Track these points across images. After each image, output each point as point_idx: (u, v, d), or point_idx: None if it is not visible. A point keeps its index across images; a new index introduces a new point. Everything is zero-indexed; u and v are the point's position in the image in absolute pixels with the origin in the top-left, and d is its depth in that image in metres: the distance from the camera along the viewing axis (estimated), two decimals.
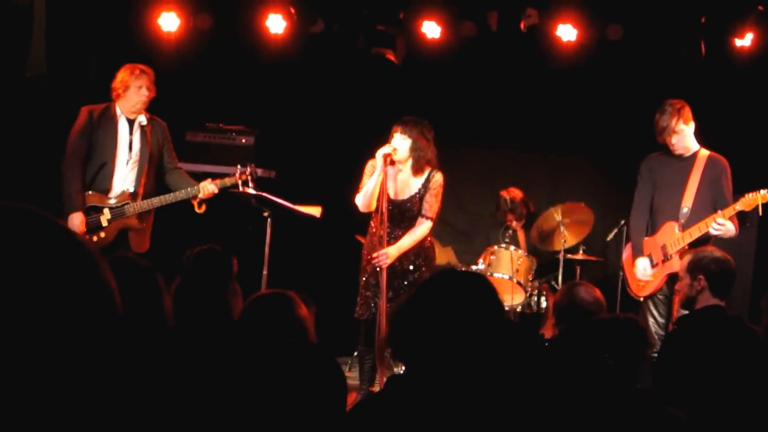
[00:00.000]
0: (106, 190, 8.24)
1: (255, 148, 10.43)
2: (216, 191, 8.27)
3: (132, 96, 8.22)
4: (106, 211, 8.17)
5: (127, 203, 8.20)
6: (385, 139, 7.84)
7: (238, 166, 8.39)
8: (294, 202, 8.75)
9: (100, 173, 8.24)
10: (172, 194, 8.28)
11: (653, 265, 8.03)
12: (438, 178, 7.90)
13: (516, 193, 10.30)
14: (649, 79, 9.88)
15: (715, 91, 9.89)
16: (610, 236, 9.79)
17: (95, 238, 8.07)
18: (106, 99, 8.48)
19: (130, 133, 8.28)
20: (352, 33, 10.49)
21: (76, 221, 7.97)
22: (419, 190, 7.89)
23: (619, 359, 4.23)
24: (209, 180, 8.30)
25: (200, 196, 8.20)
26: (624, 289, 8.58)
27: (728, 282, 6.11)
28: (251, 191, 8.64)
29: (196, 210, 8.29)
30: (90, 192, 8.22)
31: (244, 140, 10.44)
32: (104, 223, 8.16)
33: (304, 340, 4.03)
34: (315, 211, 8.79)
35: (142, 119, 8.33)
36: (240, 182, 8.33)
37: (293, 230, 9.55)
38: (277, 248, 8.86)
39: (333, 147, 10.68)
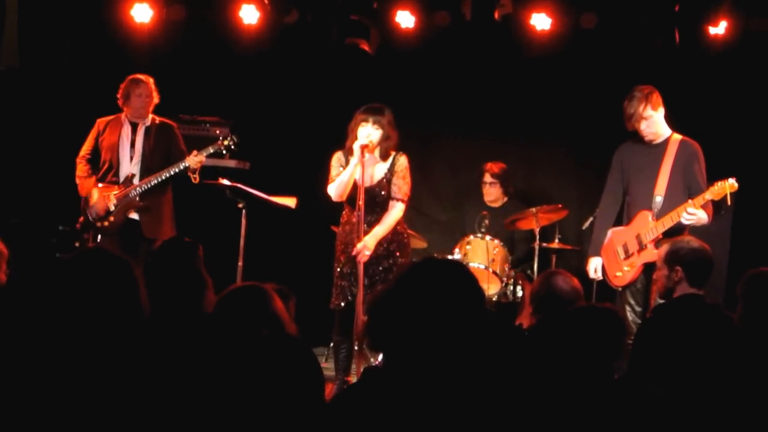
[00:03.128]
0: (113, 183, 8.90)
1: None
2: (203, 160, 8.80)
3: (133, 103, 8.94)
4: (112, 196, 8.78)
5: (130, 186, 8.82)
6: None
7: (219, 134, 9.28)
8: (269, 193, 8.76)
9: (108, 169, 8.91)
10: (165, 170, 8.81)
11: (629, 255, 8.04)
12: (402, 160, 7.98)
13: (501, 165, 10.30)
14: (623, 68, 9.88)
15: (689, 79, 9.91)
16: (586, 225, 9.77)
17: (106, 224, 8.79)
18: (80, 90, 9.41)
19: (134, 133, 8.96)
20: (325, 23, 10.45)
21: (94, 197, 8.83)
22: (386, 174, 7.94)
23: (597, 348, 4.22)
24: (194, 152, 8.78)
25: (191, 166, 8.73)
26: (601, 279, 8.58)
27: (706, 272, 6.11)
28: (226, 182, 8.68)
29: (193, 182, 8.83)
30: (100, 185, 8.89)
31: (218, 131, 10.40)
32: (112, 208, 8.77)
33: (280, 332, 4.01)
34: (290, 201, 8.80)
35: (147, 122, 8.99)
36: (223, 148, 8.97)
37: (268, 221, 9.54)
38: (253, 239, 8.85)
39: (308, 138, 10.65)
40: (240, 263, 8.72)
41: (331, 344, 8.35)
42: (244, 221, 8.79)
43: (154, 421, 3.46)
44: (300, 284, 6.84)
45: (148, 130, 8.96)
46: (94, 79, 10.25)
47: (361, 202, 7.67)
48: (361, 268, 7.72)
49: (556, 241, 10.00)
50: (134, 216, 8.84)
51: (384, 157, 7.95)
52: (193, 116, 10.47)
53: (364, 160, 7.71)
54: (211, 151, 8.87)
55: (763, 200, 9.72)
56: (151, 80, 8.94)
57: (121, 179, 8.84)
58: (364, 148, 7.72)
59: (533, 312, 5.94)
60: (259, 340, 3.14)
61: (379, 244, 7.86)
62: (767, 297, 5.33)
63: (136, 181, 8.81)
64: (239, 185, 8.74)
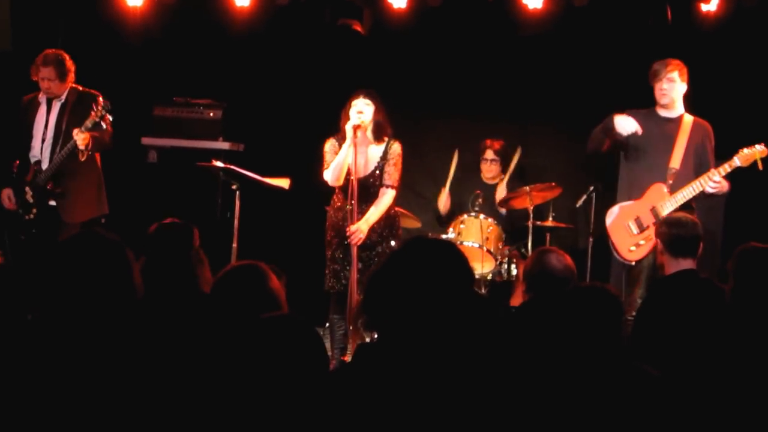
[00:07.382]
0: (29, 169, 8.71)
1: (223, 121, 10.42)
2: (86, 135, 8.36)
3: (41, 86, 8.66)
4: (27, 189, 8.60)
5: (39, 174, 8.58)
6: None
7: (93, 105, 8.47)
8: (263, 175, 8.76)
9: (27, 155, 8.71)
10: (61, 152, 8.50)
11: (643, 228, 7.99)
12: (396, 147, 8.04)
13: (501, 141, 10.31)
14: (616, 46, 9.89)
15: (681, 57, 9.88)
16: (579, 202, 9.79)
17: (31, 216, 8.59)
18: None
19: (48, 112, 8.66)
20: (318, 4, 10.45)
21: (3, 196, 8.64)
22: (379, 162, 8.00)
23: (592, 328, 4.23)
24: (77, 130, 8.35)
25: (79, 146, 8.36)
26: (595, 256, 8.59)
27: (685, 242, 6.13)
28: (219, 164, 8.67)
29: (80, 159, 8.49)
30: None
31: (212, 114, 10.41)
32: (30, 200, 8.58)
33: (281, 312, 4.03)
34: (284, 183, 8.80)
35: (63, 98, 8.67)
36: (98, 119, 8.39)
37: (262, 202, 9.56)
38: (246, 221, 8.87)
39: (301, 119, 10.66)
40: (234, 244, 8.73)
41: (327, 324, 8.38)
42: (237, 202, 8.79)
43: (157, 404, 3.47)
44: (294, 265, 6.88)
45: (63, 106, 8.67)
46: (87, 62, 10.24)
47: (354, 181, 7.73)
48: (354, 250, 7.78)
49: (550, 219, 10.01)
50: (53, 203, 8.61)
51: (378, 140, 8.00)
52: (186, 99, 10.47)
53: (356, 141, 7.76)
54: (89, 125, 8.36)
55: (756, 176, 9.72)
56: (60, 58, 8.65)
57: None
58: (356, 128, 7.75)
59: (526, 290, 5.95)
60: (262, 320, 3.16)
61: (372, 230, 7.93)
62: (757, 272, 5.35)
63: (44, 166, 8.57)
64: (233, 167, 8.72)
